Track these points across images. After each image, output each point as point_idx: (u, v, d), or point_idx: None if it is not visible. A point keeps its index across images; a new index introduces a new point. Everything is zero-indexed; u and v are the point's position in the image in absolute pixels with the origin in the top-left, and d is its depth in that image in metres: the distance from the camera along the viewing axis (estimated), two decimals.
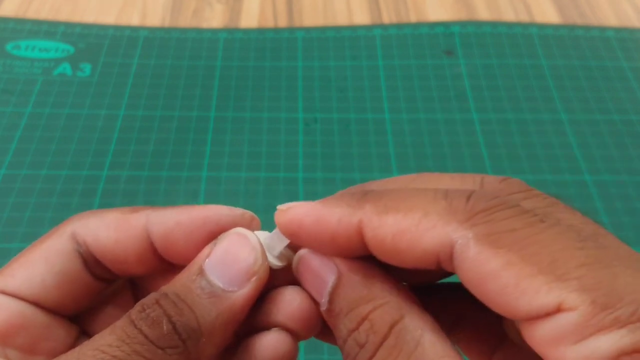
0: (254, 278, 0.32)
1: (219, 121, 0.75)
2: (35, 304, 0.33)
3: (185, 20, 0.90)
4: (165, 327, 0.29)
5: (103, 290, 0.36)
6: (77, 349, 0.29)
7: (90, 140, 0.72)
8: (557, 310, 0.24)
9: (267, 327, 0.33)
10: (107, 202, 0.66)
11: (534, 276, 0.25)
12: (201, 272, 0.31)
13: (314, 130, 0.74)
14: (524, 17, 0.91)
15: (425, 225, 0.27)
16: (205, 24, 0.90)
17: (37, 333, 0.33)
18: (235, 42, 0.86)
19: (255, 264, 0.32)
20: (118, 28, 0.88)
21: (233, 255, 0.32)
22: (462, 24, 0.89)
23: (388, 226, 0.28)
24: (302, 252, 0.33)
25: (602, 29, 0.89)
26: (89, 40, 0.85)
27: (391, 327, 0.28)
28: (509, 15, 0.91)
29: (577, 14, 0.92)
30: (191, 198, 0.67)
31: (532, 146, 0.73)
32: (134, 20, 0.90)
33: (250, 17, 0.91)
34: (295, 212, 0.33)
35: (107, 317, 0.36)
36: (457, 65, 0.83)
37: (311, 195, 0.67)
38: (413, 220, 0.28)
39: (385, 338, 0.28)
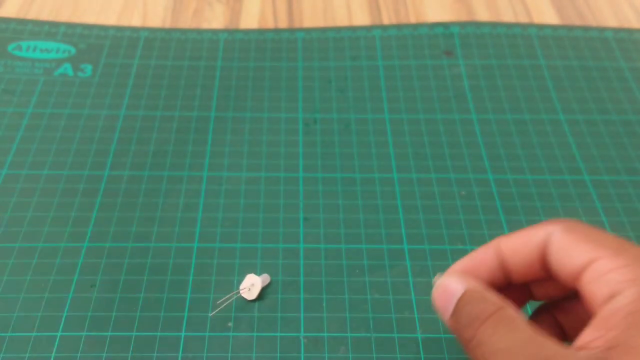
0: None
1: (219, 121, 0.75)
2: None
3: (186, 21, 0.90)
4: None
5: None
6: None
7: (91, 140, 0.73)
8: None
9: None
10: (109, 202, 0.67)
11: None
12: None
13: (314, 131, 0.74)
14: (523, 18, 0.92)
15: (535, 229, 0.43)
16: (205, 25, 0.90)
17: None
18: (236, 42, 0.86)
19: None
20: (119, 29, 0.88)
21: None
22: (462, 24, 0.89)
23: (511, 237, 0.44)
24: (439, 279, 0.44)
25: (601, 30, 0.89)
26: (90, 41, 0.85)
27: (486, 319, 0.38)
28: (508, 16, 0.92)
29: (576, 14, 0.93)
30: (192, 198, 0.67)
31: (531, 146, 0.73)
32: (135, 20, 0.90)
33: (251, 18, 0.91)
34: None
35: None
36: (456, 66, 0.83)
37: (312, 195, 0.68)
38: (525, 230, 0.44)
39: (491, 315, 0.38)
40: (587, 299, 0.39)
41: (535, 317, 0.47)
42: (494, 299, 0.39)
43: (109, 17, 0.91)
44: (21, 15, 0.90)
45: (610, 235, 0.40)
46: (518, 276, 0.44)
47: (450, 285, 0.42)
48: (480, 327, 0.37)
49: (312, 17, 0.92)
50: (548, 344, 0.36)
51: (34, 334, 0.56)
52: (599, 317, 0.37)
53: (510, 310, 0.38)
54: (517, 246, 0.43)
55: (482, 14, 0.92)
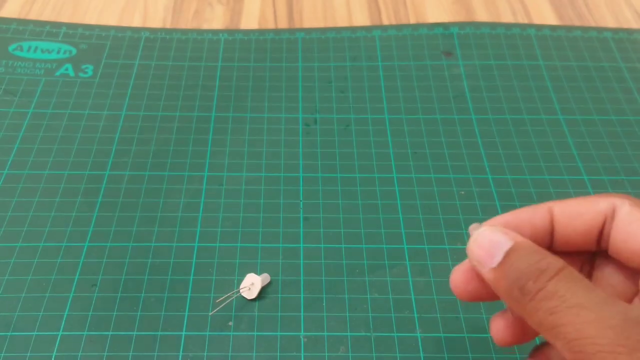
0: None
1: (220, 121, 0.76)
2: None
3: (186, 21, 0.91)
4: None
5: None
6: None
7: (92, 140, 0.73)
8: None
9: None
10: (110, 202, 0.67)
11: None
12: None
13: (314, 131, 0.75)
14: (522, 19, 0.92)
15: (597, 198, 0.41)
16: (206, 25, 0.90)
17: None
18: (236, 42, 0.86)
19: None
20: (120, 29, 0.88)
21: None
22: (461, 25, 0.89)
23: (569, 203, 0.42)
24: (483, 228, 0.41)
25: (600, 30, 0.89)
26: (91, 41, 0.85)
27: (556, 273, 0.36)
28: (507, 16, 0.92)
29: (575, 15, 0.93)
30: (193, 197, 0.68)
31: (530, 146, 0.73)
32: (136, 21, 0.90)
33: (251, 18, 0.91)
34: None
35: None
36: (455, 66, 0.83)
37: (312, 195, 0.68)
38: (586, 199, 0.42)
39: (561, 270, 0.36)
40: None
41: None
42: (555, 256, 0.38)
43: (110, 17, 0.91)
44: (22, 16, 0.90)
45: None
46: (563, 244, 0.43)
47: (495, 236, 0.40)
48: (551, 281, 0.35)
49: (312, 17, 0.92)
50: (629, 305, 0.34)
51: (35, 333, 0.56)
52: None
53: (574, 269, 0.37)
54: (577, 212, 0.42)
55: (481, 15, 0.92)
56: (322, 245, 0.64)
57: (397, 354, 0.56)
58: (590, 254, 0.44)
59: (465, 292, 0.43)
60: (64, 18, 0.90)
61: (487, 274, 0.39)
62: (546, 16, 0.93)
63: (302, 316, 0.58)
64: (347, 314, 0.58)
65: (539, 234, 0.42)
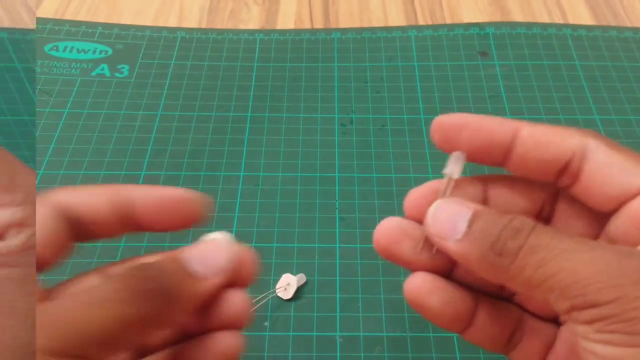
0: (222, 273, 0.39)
1: (256, 121, 0.76)
2: None
3: (222, 22, 0.91)
4: None
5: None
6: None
7: (128, 140, 0.73)
8: None
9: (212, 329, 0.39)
10: None
11: None
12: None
13: (350, 131, 0.75)
14: (557, 19, 0.91)
15: (569, 132, 0.38)
16: (242, 25, 0.90)
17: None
18: (272, 43, 0.86)
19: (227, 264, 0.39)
20: (155, 29, 0.88)
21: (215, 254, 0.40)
22: (497, 25, 0.89)
23: (540, 128, 0.39)
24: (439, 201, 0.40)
25: (636, 30, 0.89)
26: (127, 41, 0.86)
27: (532, 229, 0.34)
28: (542, 17, 0.92)
29: (611, 15, 0.92)
30: (229, 197, 0.68)
31: None
32: (171, 21, 0.91)
33: (287, 19, 0.92)
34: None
35: None
36: (491, 66, 0.83)
37: (348, 195, 0.68)
38: (557, 129, 0.38)
39: (536, 225, 0.34)
40: None
41: None
42: (522, 215, 0.36)
43: (146, 17, 0.91)
44: (58, 16, 0.90)
45: None
46: (519, 167, 0.40)
47: (452, 208, 0.38)
48: (530, 235, 0.34)
49: (348, 17, 0.92)
50: (612, 245, 0.34)
51: None
52: None
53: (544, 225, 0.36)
54: (545, 140, 0.39)
55: (517, 15, 0.92)
56: (358, 246, 0.64)
57: (433, 354, 0.56)
58: (550, 197, 0.42)
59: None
60: (100, 18, 0.91)
61: (453, 247, 0.37)
62: (582, 16, 0.92)
63: (337, 316, 0.58)
64: (383, 314, 0.58)
65: (496, 147, 0.40)
